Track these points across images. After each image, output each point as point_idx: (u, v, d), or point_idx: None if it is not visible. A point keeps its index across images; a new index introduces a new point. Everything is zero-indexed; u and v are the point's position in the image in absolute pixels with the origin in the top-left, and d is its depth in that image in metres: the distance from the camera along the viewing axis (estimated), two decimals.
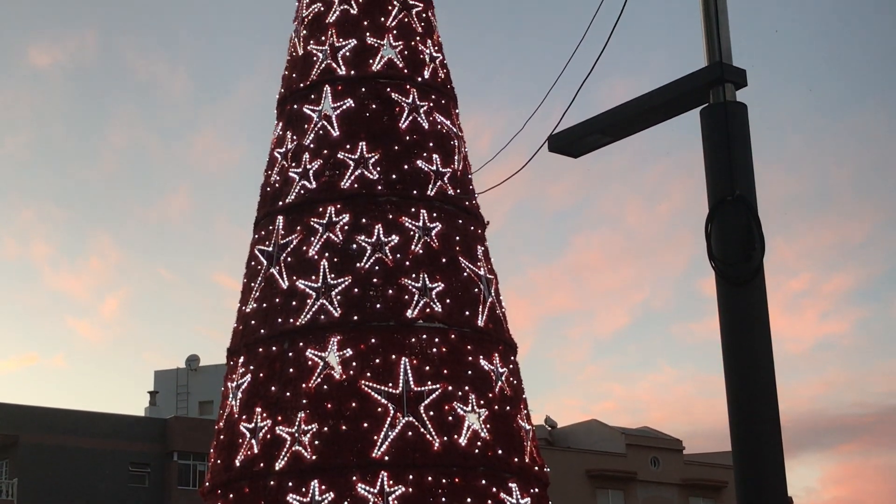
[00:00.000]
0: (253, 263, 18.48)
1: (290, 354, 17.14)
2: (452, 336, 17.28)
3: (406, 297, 17.27)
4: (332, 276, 17.43)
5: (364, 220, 17.77)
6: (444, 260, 17.79)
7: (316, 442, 16.36)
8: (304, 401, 16.66)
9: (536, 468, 17.65)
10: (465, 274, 17.95)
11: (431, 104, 19.07)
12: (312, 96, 18.97)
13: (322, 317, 17.21)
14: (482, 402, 17.04)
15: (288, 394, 16.85)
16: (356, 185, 18.04)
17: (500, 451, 16.88)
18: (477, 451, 16.64)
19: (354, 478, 16.14)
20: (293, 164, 18.60)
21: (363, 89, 18.79)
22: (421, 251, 17.68)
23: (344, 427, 16.36)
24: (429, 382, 16.74)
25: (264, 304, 17.83)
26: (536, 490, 17.44)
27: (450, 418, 16.62)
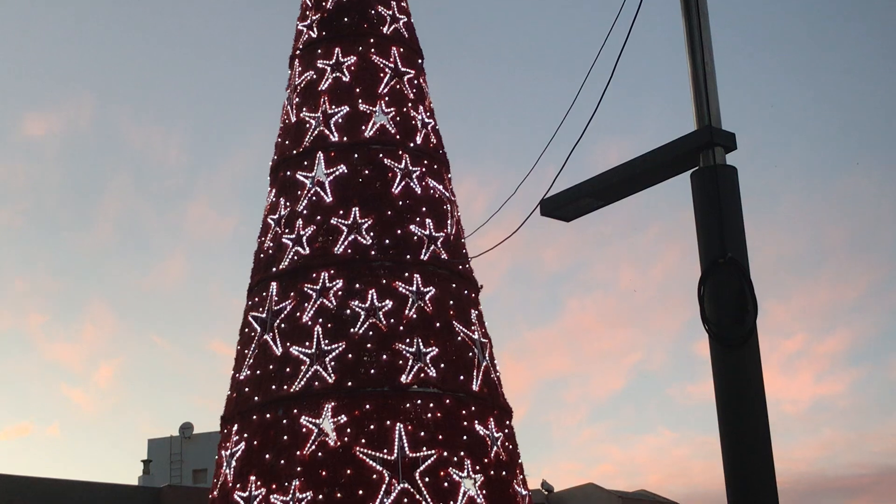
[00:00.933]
0: (247, 330, 18.45)
1: (285, 422, 17.05)
2: (447, 401, 17.21)
3: (400, 362, 17.23)
4: (326, 341, 17.40)
5: (358, 286, 17.77)
6: (438, 324, 17.77)
7: None
8: (299, 468, 16.55)
9: None
10: (460, 338, 17.93)
11: (424, 169, 19.16)
12: (305, 163, 19.05)
13: (316, 383, 17.15)
14: (478, 467, 16.94)
15: (282, 461, 16.74)
16: (350, 251, 18.06)
17: None
18: None
19: None
20: (286, 231, 18.64)
21: (356, 155, 18.88)
22: (415, 316, 17.67)
23: (339, 495, 16.23)
24: (424, 448, 16.65)
25: (258, 371, 17.77)
26: None
27: (445, 484, 16.51)
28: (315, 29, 20.15)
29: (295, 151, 19.27)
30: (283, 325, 17.83)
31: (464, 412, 17.30)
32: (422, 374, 17.21)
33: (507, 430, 18.03)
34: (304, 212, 18.62)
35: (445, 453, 16.72)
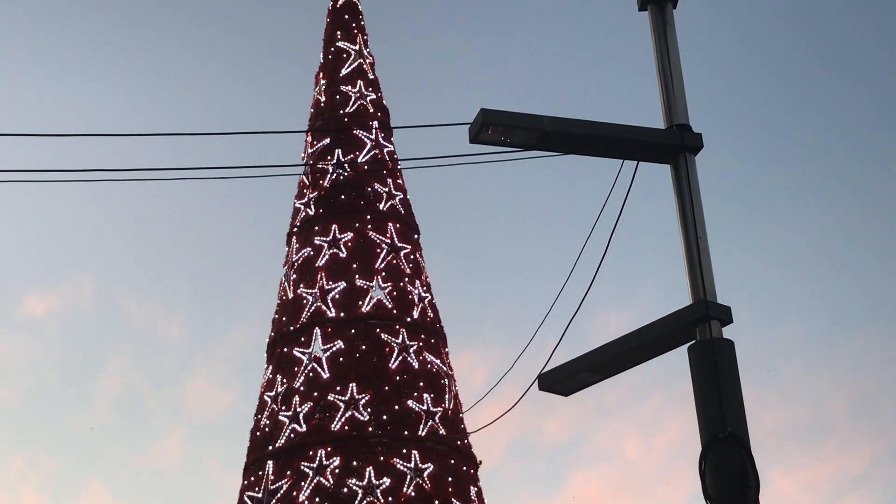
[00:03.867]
0: None
1: None
2: None
3: None
4: None
5: (355, 463, 17.56)
6: (436, 502, 17.50)
7: None
8: None
9: None
10: None
11: (421, 344, 19.15)
12: (302, 339, 19.04)
13: None
14: None
15: None
16: (347, 427, 17.91)
17: None
18: None
19: None
20: (283, 408, 18.51)
21: (353, 331, 18.88)
22: (413, 493, 17.41)
23: None
24: None
25: None
26: None
27: None
28: (312, 207, 20.38)
29: (292, 328, 19.28)
30: None
31: None
32: None
33: None
34: (301, 388, 18.52)
35: None
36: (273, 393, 18.87)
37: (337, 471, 17.53)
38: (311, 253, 19.89)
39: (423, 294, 19.86)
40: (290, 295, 19.74)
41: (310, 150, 20.94)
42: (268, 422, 18.66)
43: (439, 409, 18.58)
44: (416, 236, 20.63)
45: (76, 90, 42.73)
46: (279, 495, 17.66)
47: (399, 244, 20.05)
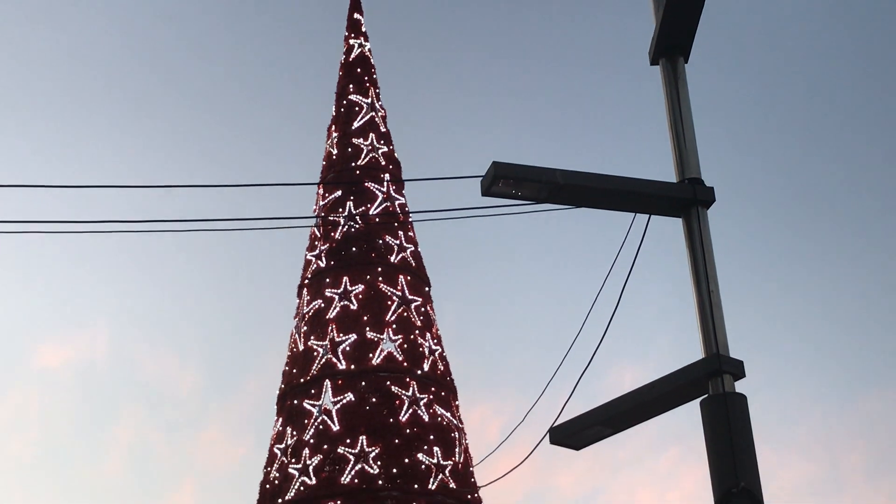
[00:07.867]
0: None
1: None
2: None
3: None
4: None
5: None
6: None
7: None
8: None
9: None
10: None
11: (431, 396, 19.09)
12: (313, 391, 19.01)
13: None
14: None
15: None
16: (356, 480, 17.82)
17: None
18: None
19: None
20: (293, 460, 18.44)
21: (363, 383, 18.84)
22: None
23: None
24: None
25: None
26: None
27: None
28: (323, 259, 20.42)
29: (302, 380, 19.25)
30: None
31: None
32: None
33: None
34: (311, 441, 18.46)
35: None
36: (283, 445, 18.81)
37: None
38: (322, 305, 19.89)
39: (433, 347, 19.83)
40: (301, 347, 19.73)
41: (321, 203, 21.01)
42: (277, 474, 18.58)
43: (449, 462, 18.49)
44: (427, 289, 20.63)
45: (91, 143, 43.01)
46: None
47: (410, 297, 20.05)
